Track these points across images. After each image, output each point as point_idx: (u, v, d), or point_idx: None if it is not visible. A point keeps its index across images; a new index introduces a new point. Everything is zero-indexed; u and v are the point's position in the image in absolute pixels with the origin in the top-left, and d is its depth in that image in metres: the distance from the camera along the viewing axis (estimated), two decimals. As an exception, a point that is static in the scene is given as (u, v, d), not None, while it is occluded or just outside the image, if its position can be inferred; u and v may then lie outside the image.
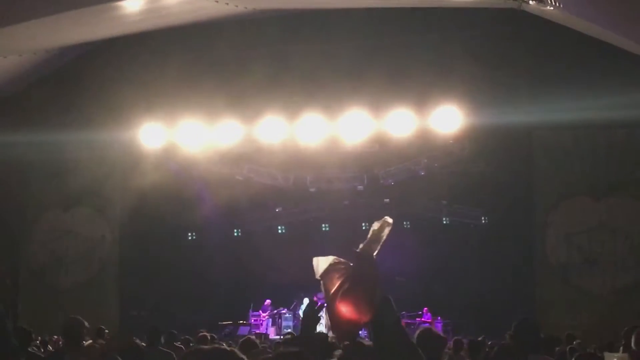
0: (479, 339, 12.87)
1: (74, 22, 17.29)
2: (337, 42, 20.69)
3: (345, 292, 3.26)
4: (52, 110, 21.91)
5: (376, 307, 3.21)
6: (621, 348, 7.59)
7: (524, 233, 22.89)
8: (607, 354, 8.06)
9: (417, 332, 5.98)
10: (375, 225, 3.42)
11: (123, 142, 22.72)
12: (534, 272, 21.57)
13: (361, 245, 3.38)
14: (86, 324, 7.40)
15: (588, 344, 14.18)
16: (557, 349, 7.65)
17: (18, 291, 24.63)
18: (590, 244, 20.91)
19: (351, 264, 3.36)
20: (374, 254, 3.36)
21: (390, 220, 3.44)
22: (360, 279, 3.27)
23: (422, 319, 22.37)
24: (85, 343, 8.11)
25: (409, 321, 21.87)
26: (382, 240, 3.38)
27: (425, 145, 22.38)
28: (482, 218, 25.16)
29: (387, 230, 3.41)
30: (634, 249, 20.59)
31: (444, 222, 25.91)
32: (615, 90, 18.24)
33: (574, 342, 13.87)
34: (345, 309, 3.24)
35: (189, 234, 26.52)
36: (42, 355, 8.81)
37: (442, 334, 6.14)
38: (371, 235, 3.40)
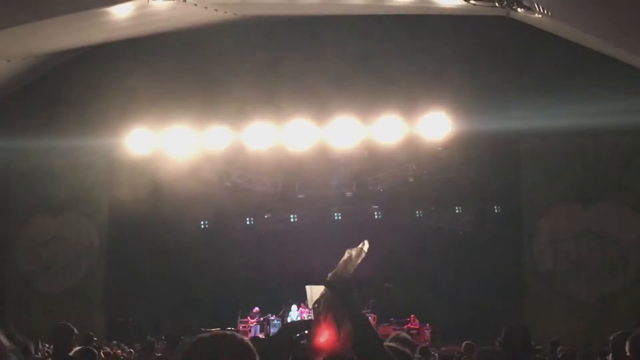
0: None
1: (63, 27, 17.25)
2: (326, 49, 20.73)
3: (321, 320, 3.24)
4: (39, 116, 21.84)
5: (354, 332, 3.18)
6: (610, 356, 7.57)
7: (512, 239, 22.93)
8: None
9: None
10: (353, 253, 3.39)
11: (111, 148, 22.67)
12: (522, 278, 21.60)
13: (330, 274, 3.35)
14: (75, 330, 7.23)
15: (576, 349, 14.21)
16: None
17: (4, 297, 24.49)
18: (577, 250, 20.97)
19: (326, 292, 3.33)
20: (348, 277, 3.33)
21: (366, 247, 3.41)
22: (331, 307, 3.25)
23: (410, 326, 22.35)
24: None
25: (397, 328, 21.85)
26: (355, 266, 3.36)
27: (413, 152, 22.42)
28: (471, 225, 25.17)
29: (362, 257, 3.39)
30: (621, 255, 20.64)
31: (433, 229, 25.91)
32: (603, 97, 18.34)
33: (558, 349, 13.92)
34: (320, 337, 3.22)
35: (177, 240, 26.40)
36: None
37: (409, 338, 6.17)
38: (345, 262, 3.36)
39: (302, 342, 3.31)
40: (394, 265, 24.23)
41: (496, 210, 23.84)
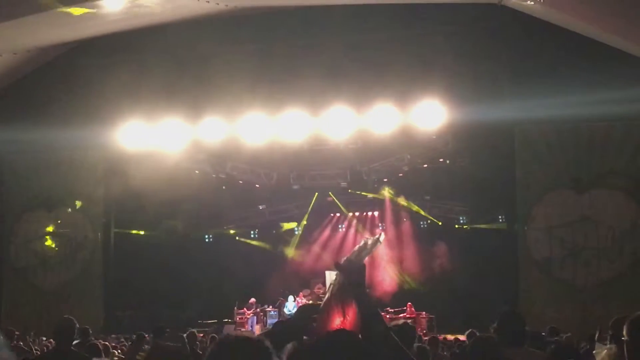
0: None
1: (54, 22, 17.20)
2: (318, 39, 20.69)
3: (325, 304, 3.28)
4: (34, 110, 21.78)
5: (363, 318, 3.20)
6: (609, 338, 7.60)
7: (507, 227, 23.00)
8: (598, 345, 8.10)
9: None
10: (369, 241, 3.43)
11: (105, 141, 22.61)
12: (517, 265, 21.63)
13: (344, 259, 3.38)
14: (77, 324, 7.30)
15: (573, 335, 14.25)
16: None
17: (1, 292, 24.48)
18: (573, 236, 21.01)
19: (337, 278, 3.37)
20: (361, 263, 3.36)
21: (382, 238, 3.48)
22: (339, 290, 3.28)
23: (407, 315, 22.39)
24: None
25: (394, 317, 21.90)
26: (369, 254, 3.41)
27: (408, 141, 22.41)
28: (465, 213, 25.24)
29: (377, 247, 3.44)
30: (615, 241, 20.70)
31: (428, 218, 25.99)
32: (597, 84, 18.34)
33: (560, 336, 13.92)
34: (323, 319, 3.25)
35: (172, 233, 26.45)
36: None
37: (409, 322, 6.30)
38: (359, 249, 3.40)
39: (313, 324, 3.34)
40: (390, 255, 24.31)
41: (491, 199, 23.88)
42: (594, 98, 18.42)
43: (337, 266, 3.31)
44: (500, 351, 5.19)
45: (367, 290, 3.30)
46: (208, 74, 20.98)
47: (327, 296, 3.31)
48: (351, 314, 3.19)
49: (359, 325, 3.17)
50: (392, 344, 3.21)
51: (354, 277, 3.24)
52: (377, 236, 3.47)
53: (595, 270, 20.73)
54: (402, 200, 26.03)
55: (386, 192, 26.00)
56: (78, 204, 24.15)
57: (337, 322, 3.20)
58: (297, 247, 27.24)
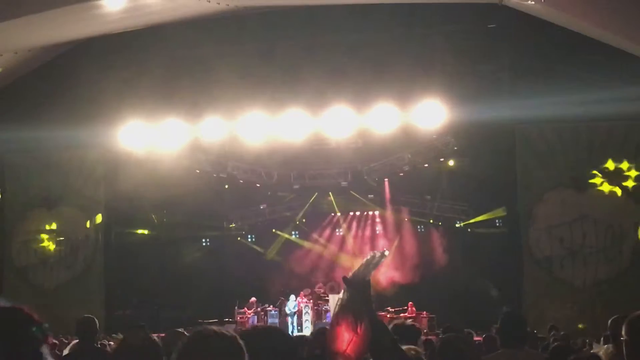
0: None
1: (55, 21, 17.20)
2: (319, 39, 20.69)
3: (333, 319, 3.30)
4: (34, 109, 21.77)
5: (371, 332, 3.21)
6: (602, 339, 7.64)
7: (507, 226, 23.01)
8: (595, 345, 8.14)
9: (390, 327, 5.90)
10: (377, 255, 3.45)
11: (105, 141, 22.62)
12: (518, 264, 21.66)
13: (351, 273, 3.40)
14: (97, 322, 7.29)
15: (572, 334, 14.29)
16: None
17: (1, 291, 24.45)
18: (572, 235, 21.04)
19: (344, 294, 3.38)
20: (368, 277, 3.38)
21: (387, 253, 3.52)
22: (348, 305, 3.29)
23: (408, 314, 22.39)
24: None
25: (394, 316, 21.90)
26: (375, 268, 3.43)
27: (408, 140, 22.44)
28: (466, 212, 25.25)
29: (382, 261, 3.47)
30: (614, 240, 20.75)
31: (428, 217, 26.01)
32: (597, 84, 18.36)
33: (552, 333, 13.97)
34: (332, 336, 3.26)
35: (173, 233, 26.45)
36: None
37: (416, 325, 6.29)
38: (367, 262, 3.42)
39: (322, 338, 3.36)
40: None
41: (491, 198, 23.90)
42: (593, 98, 18.45)
43: (345, 280, 3.33)
44: (465, 352, 5.17)
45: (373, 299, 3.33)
46: (208, 74, 20.99)
47: (335, 311, 3.32)
48: (361, 328, 3.20)
49: (369, 340, 3.18)
50: (399, 356, 3.23)
51: (361, 292, 3.26)
52: (383, 251, 3.49)
53: (593, 269, 20.77)
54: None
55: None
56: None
57: (346, 336, 3.21)
58: (297, 246, 27.24)
